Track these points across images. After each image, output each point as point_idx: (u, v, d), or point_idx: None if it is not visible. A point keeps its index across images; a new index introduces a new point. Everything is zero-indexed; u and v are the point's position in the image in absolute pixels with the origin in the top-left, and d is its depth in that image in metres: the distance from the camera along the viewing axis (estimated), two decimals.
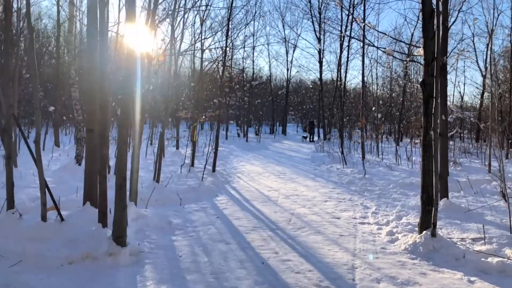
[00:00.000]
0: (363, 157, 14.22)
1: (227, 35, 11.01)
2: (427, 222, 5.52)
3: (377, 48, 7.58)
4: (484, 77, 26.96)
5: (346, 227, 6.51)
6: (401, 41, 7.05)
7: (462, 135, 25.96)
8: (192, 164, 11.08)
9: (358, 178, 11.01)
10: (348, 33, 21.07)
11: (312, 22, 27.20)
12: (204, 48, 13.22)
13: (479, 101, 27.01)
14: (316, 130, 28.17)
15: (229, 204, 7.89)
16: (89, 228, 5.11)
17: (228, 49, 11.69)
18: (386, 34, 7.28)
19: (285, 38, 31.50)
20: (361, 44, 16.40)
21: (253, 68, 28.32)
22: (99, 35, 5.53)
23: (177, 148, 15.05)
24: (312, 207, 7.86)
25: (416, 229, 6.22)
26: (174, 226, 6.21)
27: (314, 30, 27.18)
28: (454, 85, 25.57)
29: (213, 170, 10.83)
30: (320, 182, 10.90)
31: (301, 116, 48.74)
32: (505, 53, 23.79)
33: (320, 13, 26.02)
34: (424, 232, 5.41)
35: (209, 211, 7.30)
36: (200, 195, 8.55)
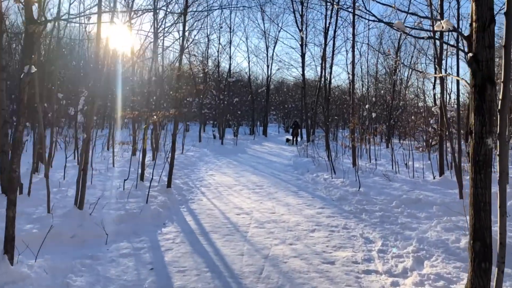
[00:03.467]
0: (354, 164, 12.09)
1: (186, 5, 8.57)
2: None
3: (384, 22, 5.32)
4: None
5: (345, 283, 4.29)
6: (414, 14, 5.11)
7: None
8: (142, 178, 8.68)
9: (351, 192, 8.84)
10: (333, 21, 19.02)
11: (294, 12, 25.04)
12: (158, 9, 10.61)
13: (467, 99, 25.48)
14: (299, 130, 25.96)
15: (177, 242, 5.55)
16: None
17: (187, 25, 9.43)
18: (391, 6, 5.11)
19: (264, 32, 29.26)
20: (349, 31, 14.33)
21: (230, 63, 25.91)
22: None
23: (134, 154, 12.60)
24: (294, 242, 5.61)
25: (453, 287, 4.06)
26: None
27: (296, 22, 25.03)
28: (446, 80, 23.79)
29: (168, 185, 8.46)
30: (305, 198, 8.67)
31: (283, 115, 46.61)
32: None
33: (302, 3, 23.87)
34: None
35: (143, 256, 4.95)
36: (140, 225, 6.18)
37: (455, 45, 6.97)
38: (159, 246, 5.36)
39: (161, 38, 13.86)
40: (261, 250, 5.25)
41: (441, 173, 10.17)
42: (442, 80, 9.10)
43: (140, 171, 8.84)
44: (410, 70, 28.75)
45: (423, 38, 6.13)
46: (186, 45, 19.15)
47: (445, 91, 9.84)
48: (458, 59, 8.04)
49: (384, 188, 9.33)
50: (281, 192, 9.32)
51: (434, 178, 10.33)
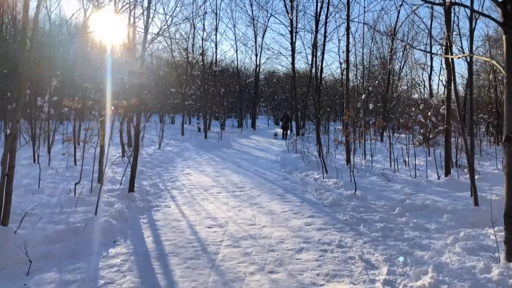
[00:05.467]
0: (348, 161, 10.88)
1: None
2: None
3: None
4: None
5: None
6: None
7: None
8: (100, 180, 7.35)
9: (346, 196, 7.64)
10: (325, 5, 17.69)
11: None
12: None
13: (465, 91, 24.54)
14: (289, 124, 24.70)
15: (123, 270, 4.26)
16: None
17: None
18: None
19: (253, 18, 27.82)
20: (343, 13, 13.10)
21: (215, 50, 24.39)
22: None
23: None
24: (276, 269, 4.37)
25: None
26: None
27: (286, 7, 23.63)
28: (430, 76, 22.73)
29: (130, 188, 7.15)
30: (292, 203, 7.44)
31: (273, 107, 45.31)
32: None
33: None
34: None
35: None
36: (83, 244, 4.88)
37: (469, 12, 5.70)
38: (98, 277, 4.06)
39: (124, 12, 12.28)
40: (232, 283, 3.99)
41: (447, 172, 9.02)
42: (449, 64, 7.85)
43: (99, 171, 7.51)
44: (404, 61, 27.63)
45: (441, 4, 4.87)
46: (165, 25, 17.61)
47: (435, 78, 8.58)
48: (472, 36, 6.81)
49: (383, 191, 8.15)
50: (264, 195, 8.07)
51: (438, 178, 9.18)
